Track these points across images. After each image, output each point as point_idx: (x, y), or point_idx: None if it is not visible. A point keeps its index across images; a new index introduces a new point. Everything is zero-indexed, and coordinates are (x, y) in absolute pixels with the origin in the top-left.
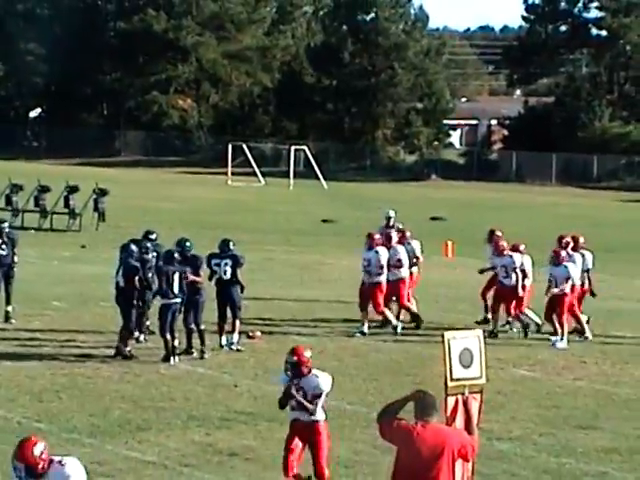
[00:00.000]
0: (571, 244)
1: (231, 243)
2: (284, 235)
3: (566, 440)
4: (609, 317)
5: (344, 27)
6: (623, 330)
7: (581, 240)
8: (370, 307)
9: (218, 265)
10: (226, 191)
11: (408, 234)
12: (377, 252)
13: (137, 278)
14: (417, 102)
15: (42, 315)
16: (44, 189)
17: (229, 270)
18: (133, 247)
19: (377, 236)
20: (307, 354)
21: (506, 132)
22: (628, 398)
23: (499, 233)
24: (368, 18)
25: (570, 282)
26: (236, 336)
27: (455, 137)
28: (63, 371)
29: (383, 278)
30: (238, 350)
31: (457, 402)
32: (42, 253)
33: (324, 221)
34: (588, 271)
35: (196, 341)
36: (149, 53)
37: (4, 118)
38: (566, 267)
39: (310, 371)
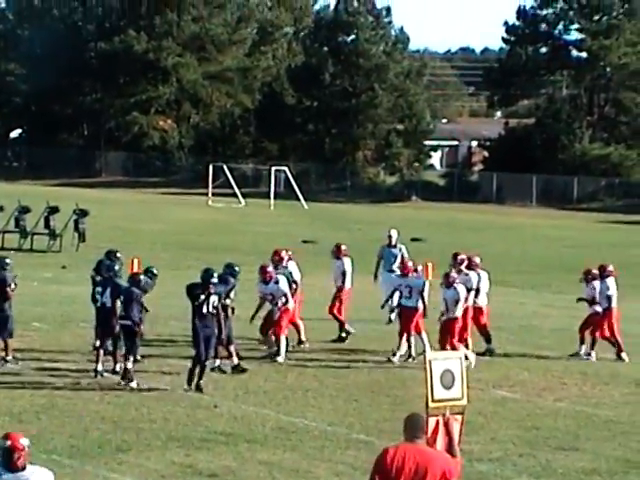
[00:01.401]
0: (466, 262)
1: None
2: (265, 256)
3: (546, 461)
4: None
5: (325, 48)
6: (604, 351)
7: (477, 259)
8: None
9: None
10: (207, 212)
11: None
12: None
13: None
14: (398, 123)
15: (22, 336)
16: (24, 210)
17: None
18: (108, 262)
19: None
20: (24, 442)
21: (486, 153)
22: (608, 419)
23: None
24: (349, 39)
25: (460, 305)
26: (218, 361)
27: (435, 158)
28: (43, 392)
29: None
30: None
31: (438, 423)
32: (22, 274)
33: (304, 242)
34: (478, 290)
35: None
36: (130, 74)
37: None
38: (456, 289)
39: (25, 467)
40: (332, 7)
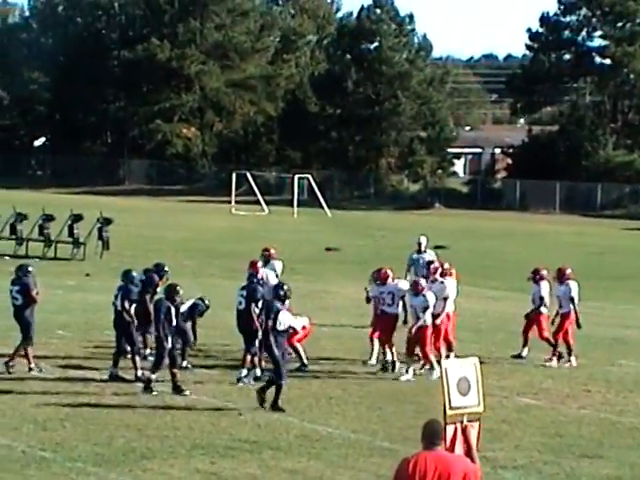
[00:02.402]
0: (439, 270)
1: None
2: (288, 263)
3: (570, 469)
4: (613, 345)
5: (348, 56)
6: (627, 358)
7: (446, 266)
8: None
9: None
10: (230, 219)
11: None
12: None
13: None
14: (421, 131)
15: (47, 344)
16: (48, 218)
17: (243, 301)
18: (134, 274)
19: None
20: None
21: (510, 161)
22: (633, 427)
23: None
24: (372, 47)
25: (429, 311)
26: (245, 371)
27: (459, 166)
28: (67, 400)
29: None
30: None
31: (456, 430)
32: (46, 282)
33: (328, 249)
34: (445, 299)
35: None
36: (153, 82)
37: (9, 147)
38: (424, 296)
39: None
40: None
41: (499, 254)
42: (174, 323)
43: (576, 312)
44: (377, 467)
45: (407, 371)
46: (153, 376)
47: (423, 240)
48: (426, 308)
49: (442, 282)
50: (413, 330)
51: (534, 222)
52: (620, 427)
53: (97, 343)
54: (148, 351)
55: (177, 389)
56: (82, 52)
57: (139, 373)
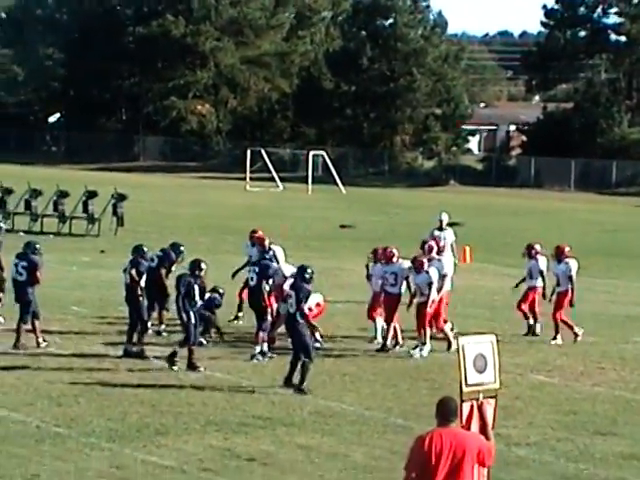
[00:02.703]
0: (435, 249)
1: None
2: (302, 240)
3: (584, 446)
4: (627, 323)
5: (363, 32)
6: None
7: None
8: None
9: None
10: (244, 196)
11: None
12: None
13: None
14: (436, 107)
15: (61, 320)
16: (63, 194)
17: (255, 277)
18: (145, 248)
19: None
20: None
21: (525, 138)
22: None
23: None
24: (387, 23)
25: (434, 287)
26: (258, 347)
27: (473, 143)
28: (82, 375)
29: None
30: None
31: (472, 408)
32: (61, 258)
33: (342, 226)
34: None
35: None
36: (167, 58)
37: (23, 123)
38: (427, 273)
39: None
40: None
41: (514, 231)
42: (197, 299)
43: (573, 291)
44: (391, 444)
45: (421, 348)
46: (177, 348)
47: (444, 217)
48: (430, 284)
49: (439, 260)
50: (418, 304)
51: (549, 199)
52: (634, 404)
53: (111, 319)
54: (163, 327)
55: (192, 366)
56: (97, 28)
57: (134, 348)
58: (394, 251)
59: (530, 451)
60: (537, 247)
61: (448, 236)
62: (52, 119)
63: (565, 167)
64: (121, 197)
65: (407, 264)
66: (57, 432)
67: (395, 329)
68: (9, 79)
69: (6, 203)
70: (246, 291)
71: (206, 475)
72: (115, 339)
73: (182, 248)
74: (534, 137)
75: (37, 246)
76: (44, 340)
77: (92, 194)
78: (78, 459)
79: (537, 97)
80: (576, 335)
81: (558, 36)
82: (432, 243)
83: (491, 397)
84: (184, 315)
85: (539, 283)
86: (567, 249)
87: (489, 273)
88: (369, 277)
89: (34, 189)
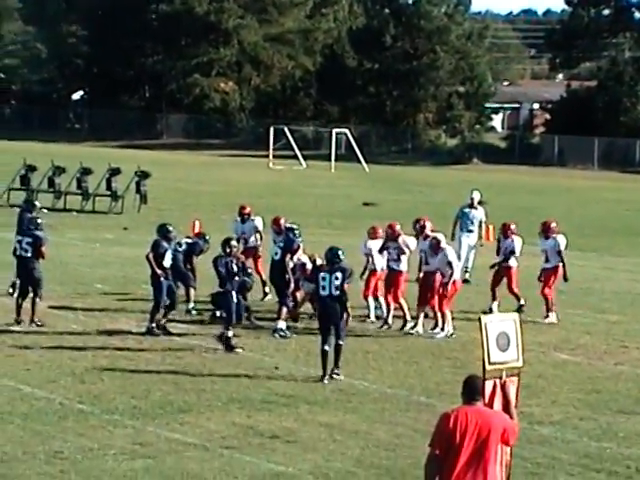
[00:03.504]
0: (428, 226)
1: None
2: (325, 218)
3: (607, 424)
4: None
5: (386, 10)
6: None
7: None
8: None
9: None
10: (267, 174)
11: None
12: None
13: (152, 256)
14: (459, 86)
15: (85, 297)
16: (86, 171)
17: (279, 252)
18: (170, 227)
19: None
20: None
21: (548, 116)
22: None
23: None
24: (410, 1)
25: (455, 264)
26: (281, 323)
27: (497, 121)
28: (105, 353)
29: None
30: (282, 336)
31: (495, 386)
32: (84, 235)
33: (365, 204)
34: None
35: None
36: (191, 36)
37: (46, 100)
38: (444, 253)
39: None
40: None
41: (537, 210)
42: (237, 278)
43: (564, 265)
44: (413, 421)
45: (442, 328)
46: (230, 333)
47: (476, 195)
48: (450, 263)
49: (434, 238)
50: (440, 285)
51: (572, 178)
52: None
53: (134, 297)
54: (192, 305)
55: (229, 347)
56: (120, 5)
57: (151, 325)
58: (397, 227)
59: (553, 429)
60: (512, 227)
61: (478, 214)
62: (75, 97)
63: (588, 145)
64: (144, 175)
65: (412, 241)
66: (80, 409)
67: (402, 307)
68: (32, 57)
69: (30, 180)
70: (260, 266)
71: (228, 452)
72: (139, 316)
73: (207, 237)
74: (557, 115)
75: (39, 221)
76: (40, 321)
77: (115, 171)
78: (101, 436)
79: (561, 75)
80: (547, 316)
81: (582, 14)
82: (422, 222)
83: (514, 376)
84: (227, 295)
85: (513, 263)
86: (554, 225)
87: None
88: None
89: (57, 166)
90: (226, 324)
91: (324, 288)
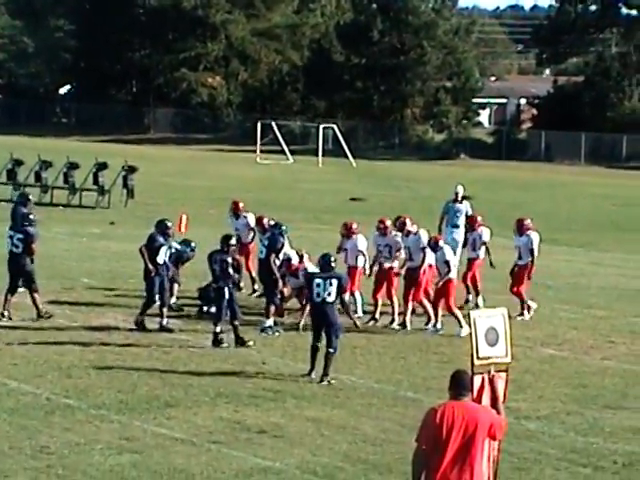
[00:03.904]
0: (408, 223)
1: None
2: (313, 213)
3: (594, 419)
4: (637, 297)
5: (373, 5)
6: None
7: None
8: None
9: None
10: (255, 169)
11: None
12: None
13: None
14: (446, 81)
15: (71, 291)
16: (73, 166)
17: (264, 250)
18: (169, 224)
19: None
20: None
21: (535, 111)
22: None
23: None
24: None
25: (453, 264)
26: (268, 321)
27: (484, 116)
28: (92, 347)
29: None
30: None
31: (483, 381)
32: (71, 229)
33: (352, 199)
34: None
35: None
36: (178, 30)
37: (34, 94)
38: (442, 250)
39: None
40: None
41: (524, 205)
42: (231, 274)
43: (532, 264)
44: (401, 417)
45: (434, 325)
46: (218, 329)
47: (460, 189)
48: (447, 262)
49: (415, 233)
50: (439, 284)
51: (559, 173)
52: None
53: (121, 291)
54: (173, 300)
55: (240, 341)
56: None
57: (141, 318)
58: (388, 223)
59: (540, 424)
60: (479, 219)
61: (463, 208)
62: (62, 91)
63: (575, 141)
64: (131, 169)
65: (399, 237)
66: (67, 404)
67: (393, 303)
68: (19, 51)
69: (16, 174)
70: (250, 262)
71: (216, 447)
72: (125, 311)
73: (194, 245)
74: (544, 111)
75: (31, 217)
76: (46, 314)
77: (102, 166)
78: (88, 431)
79: (547, 71)
80: (521, 314)
81: (569, 10)
82: (403, 218)
83: (502, 371)
84: (220, 291)
85: (481, 254)
86: (528, 221)
87: (499, 247)
88: (339, 251)
89: (44, 161)
90: (216, 320)
91: (318, 295)
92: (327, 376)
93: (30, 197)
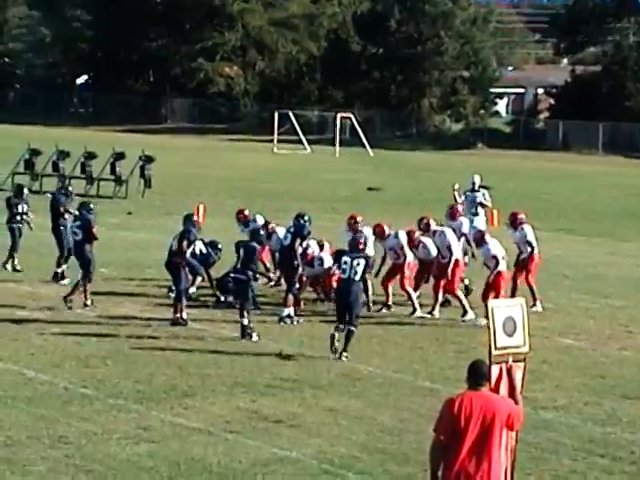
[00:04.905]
0: (432, 224)
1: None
2: (330, 203)
3: (611, 409)
4: None
5: None
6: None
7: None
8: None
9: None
10: (272, 159)
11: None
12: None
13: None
14: (463, 70)
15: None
16: (90, 156)
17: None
18: (195, 217)
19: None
20: None
21: (553, 101)
22: None
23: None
24: None
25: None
26: (287, 310)
27: (501, 106)
28: (109, 337)
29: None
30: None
31: (501, 371)
32: None
33: (370, 189)
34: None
35: None
36: (195, 20)
37: (51, 85)
38: (487, 246)
39: None
40: None
41: (542, 195)
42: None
43: (532, 253)
44: (418, 406)
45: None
46: (245, 321)
47: (477, 179)
48: (494, 257)
49: (441, 232)
50: (490, 279)
51: (576, 163)
52: None
53: (138, 281)
54: (193, 290)
55: (246, 334)
56: None
57: (183, 315)
58: (385, 227)
59: (557, 414)
60: (459, 208)
61: (479, 197)
62: (80, 81)
63: (593, 130)
64: (149, 159)
65: (403, 235)
66: (84, 393)
67: (409, 293)
68: (37, 41)
69: (34, 164)
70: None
71: (233, 437)
72: (142, 301)
73: (220, 246)
74: (562, 100)
75: (91, 206)
76: (92, 304)
77: (120, 156)
78: (105, 421)
79: (565, 60)
80: (534, 305)
81: None
82: (428, 219)
83: (520, 361)
84: (244, 283)
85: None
86: (521, 216)
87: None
88: None
89: (62, 151)
90: (244, 311)
91: (344, 272)
92: (346, 352)
93: (25, 190)
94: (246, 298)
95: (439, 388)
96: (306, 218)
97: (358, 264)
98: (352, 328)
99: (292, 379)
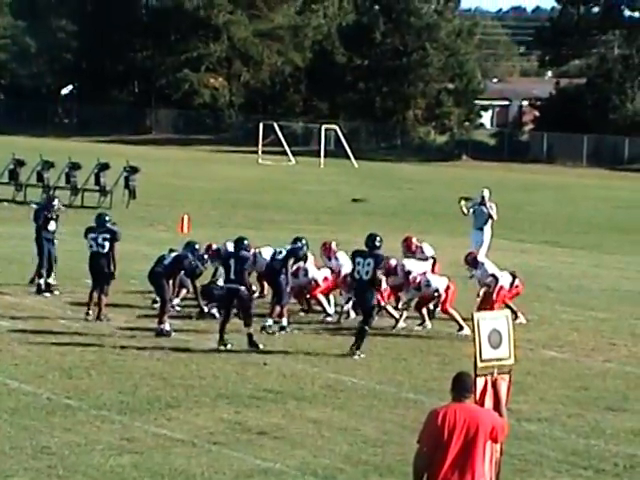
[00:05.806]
0: (414, 244)
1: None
2: (314, 214)
3: (595, 421)
4: (639, 299)
5: (376, 6)
6: None
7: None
8: None
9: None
10: (257, 170)
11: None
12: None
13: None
14: (448, 82)
15: (73, 292)
16: (75, 166)
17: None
18: (197, 246)
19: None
20: None
21: (537, 113)
22: None
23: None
24: None
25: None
26: (270, 320)
27: (486, 118)
28: (93, 348)
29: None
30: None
31: (486, 383)
32: (73, 230)
33: (354, 200)
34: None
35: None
36: (181, 31)
37: (35, 95)
38: (483, 268)
39: None
40: None
41: (526, 207)
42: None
43: (514, 278)
44: (402, 418)
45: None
46: (251, 329)
47: (486, 193)
48: (492, 275)
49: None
50: (494, 296)
51: (561, 175)
52: None
53: (122, 292)
54: (177, 301)
55: (253, 344)
56: (110, 0)
57: (167, 326)
58: (333, 246)
59: (541, 426)
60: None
61: (486, 211)
62: (64, 91)
63: (577, 143)
64: (133, 170)
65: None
66: (68, 404)
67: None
68: (22, 51)
69: (18, 175)
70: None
71: (216, 448)
72: (126, 311)
73: (206, 256)
74: (546, 112)
75: (108, 217)
76: (106, 316)
77: (104, 166)
78: (89, 431)
79: (550, 73)
80: (516, 317)
81: (571, 12)
82: (412, 240)
83: (505, 373)
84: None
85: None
86: (473, 256)
87: (501, 249)
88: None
89: (46, 161)
90: (249, 321)
91: (358, 272)
92: (359, 349)
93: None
94: (249, 308)
95: (423, 400)
96: (304, 242)
97: (368, 264)
98: (366, 327)
99: (276, 390)
